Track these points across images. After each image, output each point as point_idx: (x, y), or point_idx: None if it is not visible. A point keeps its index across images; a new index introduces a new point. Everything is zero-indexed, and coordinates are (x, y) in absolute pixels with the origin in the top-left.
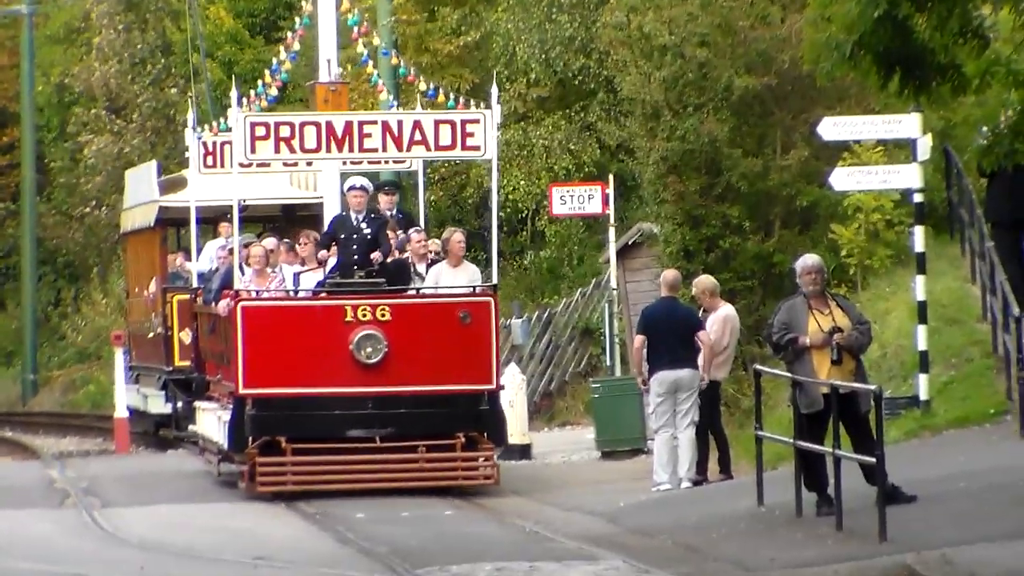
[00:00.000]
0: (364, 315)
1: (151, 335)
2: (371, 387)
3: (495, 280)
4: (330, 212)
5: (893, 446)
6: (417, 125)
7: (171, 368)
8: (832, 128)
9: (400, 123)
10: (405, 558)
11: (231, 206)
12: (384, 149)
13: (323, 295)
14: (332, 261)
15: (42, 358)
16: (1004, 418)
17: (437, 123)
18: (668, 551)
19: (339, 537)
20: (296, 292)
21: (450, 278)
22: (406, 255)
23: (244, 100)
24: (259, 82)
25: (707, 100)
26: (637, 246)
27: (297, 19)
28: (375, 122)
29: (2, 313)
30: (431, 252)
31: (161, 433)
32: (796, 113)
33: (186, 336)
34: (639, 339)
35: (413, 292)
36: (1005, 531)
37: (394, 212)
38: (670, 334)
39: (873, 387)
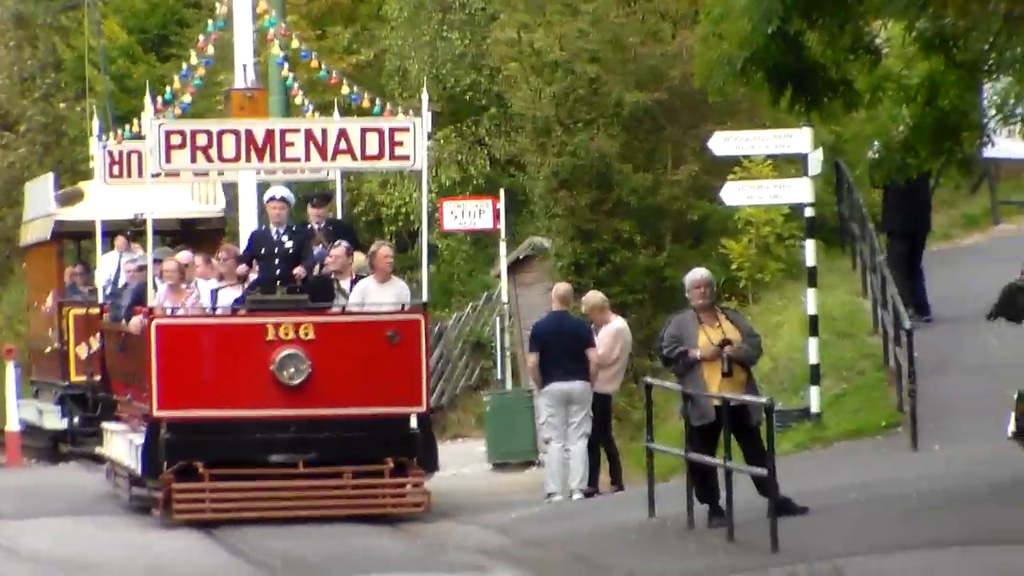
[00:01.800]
0: (286, 334)
1: (48, 350)
2: (294, 409)
3: (425, 297)
4: (247, 225)
5: (784, 458)
6: (343, 134)
7: (67, 383)
8: (723, 143)
9: (324, 132)
10: (298, 570)
11: (129, 220)
12: (308, 159)
13: (242, 312)
14: (253, 276)
15: None
16: (896, 430)
17: (364, 131)
18: (560, 562)
19: (232, 549)
20: (214, 309)
21: (377, 295)
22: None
23: (153, 108)
24: (167, 88)
25: (598, 115)
26: (528, 260)
27: (210, 22)
28: (298, 130)
29: None
30: (352, 271)
31: (59, 448)
32: (686, 128)
33: (82, 351)
34: (532, 357)
35: (338, 309)
36: (896, 542)
37: (323, 224)
38: (560, 347)
39: (764, 400)
